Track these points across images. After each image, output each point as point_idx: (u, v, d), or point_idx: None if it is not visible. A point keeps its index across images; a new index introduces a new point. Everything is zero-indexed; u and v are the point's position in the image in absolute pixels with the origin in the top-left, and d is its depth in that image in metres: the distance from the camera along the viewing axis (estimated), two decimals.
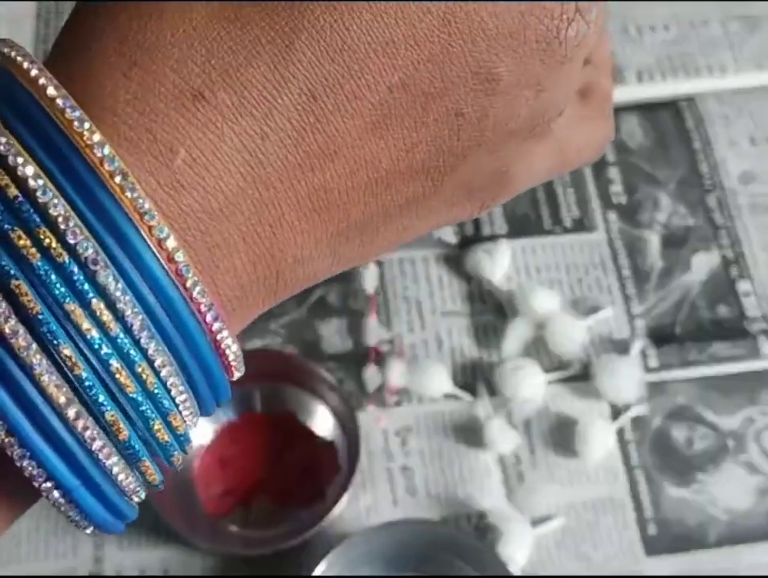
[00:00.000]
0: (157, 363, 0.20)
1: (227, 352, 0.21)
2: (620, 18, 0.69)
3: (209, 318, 0.20)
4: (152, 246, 0.19)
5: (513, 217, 0.62)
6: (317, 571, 0.47)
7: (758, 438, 0.55)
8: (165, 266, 0.20)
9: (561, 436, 0.55)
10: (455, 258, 0.60)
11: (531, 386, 0.55)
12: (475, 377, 0.57)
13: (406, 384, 0.56)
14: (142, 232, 0.19)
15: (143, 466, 0.21)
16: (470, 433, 0.55)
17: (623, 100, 0.67)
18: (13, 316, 0.19)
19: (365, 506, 0.53)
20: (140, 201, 0.19)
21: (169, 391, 0.20)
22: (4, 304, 0.19)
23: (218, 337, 0.21)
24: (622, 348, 0.57)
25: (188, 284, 0.20)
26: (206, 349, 0.21)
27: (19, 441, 0.19)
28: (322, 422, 0.55)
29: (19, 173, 0.19)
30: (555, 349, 0.57)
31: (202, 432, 0.54)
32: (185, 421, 0.21)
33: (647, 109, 0.66)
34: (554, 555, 0.52)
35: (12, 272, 0.19)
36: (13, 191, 0.19)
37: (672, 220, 0.62)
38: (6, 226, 0.19)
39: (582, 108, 0.28)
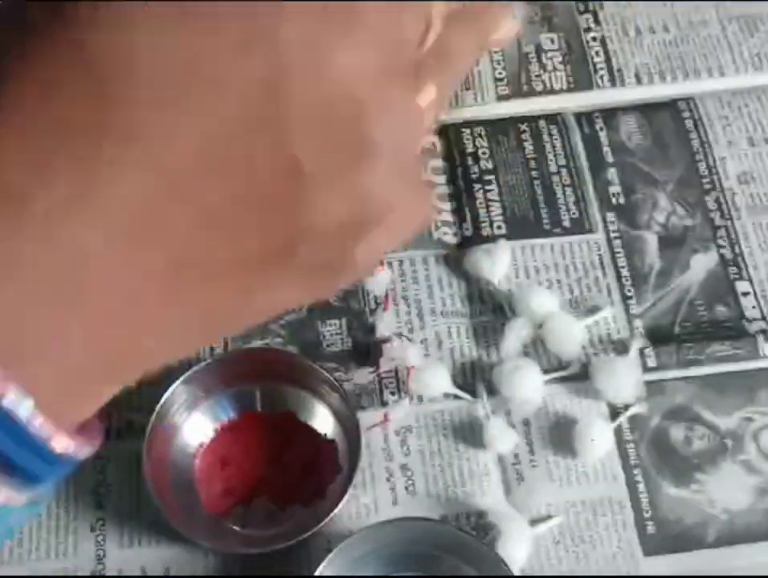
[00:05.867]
0: None
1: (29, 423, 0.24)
2: (619, 19, 0.70)
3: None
4: None
5: (513, 217, 0.62)
6: (317, 572, 0.47)
7: (757, 438, 0.55)
8: None
9: (560, 436, 0.55)
10: (455, 259, 0.61)
11: (530, 386, 0.55)
12: (474, 377, 0.57)
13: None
14: None
15: None
16: (469, 433, 0.55)
17: (623, 101, 0.67)
18: None
19: (365, 505, 0.53)
20: None
21: None
22: None
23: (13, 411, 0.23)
24: (621, 347, 0.58)
25: None
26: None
27: None
28: (322, 422, 0.55)
29: None
30: (554, 349, 0.57)
31: (203, 431, 0.55)
32: None
33: (645, 110, 0.66)
34: (553, 554, 0.52)
35: None
36: None
37: (671, 220, 0.62)
38: None
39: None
